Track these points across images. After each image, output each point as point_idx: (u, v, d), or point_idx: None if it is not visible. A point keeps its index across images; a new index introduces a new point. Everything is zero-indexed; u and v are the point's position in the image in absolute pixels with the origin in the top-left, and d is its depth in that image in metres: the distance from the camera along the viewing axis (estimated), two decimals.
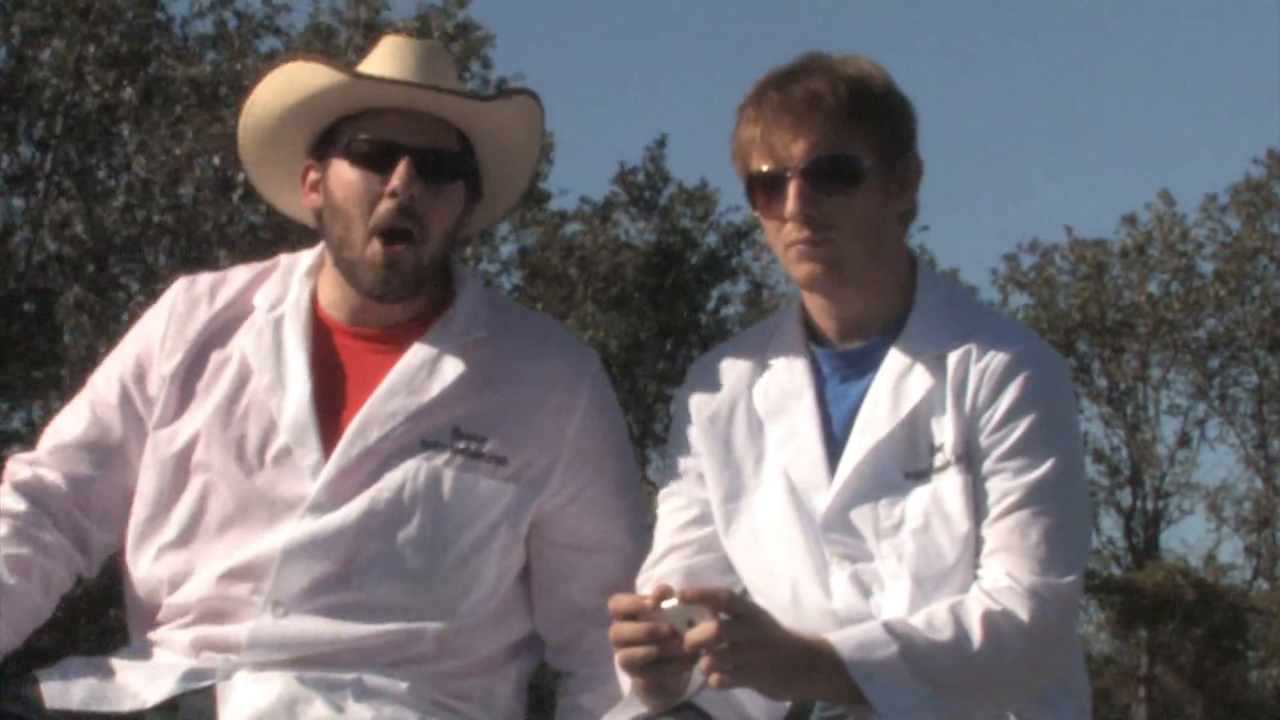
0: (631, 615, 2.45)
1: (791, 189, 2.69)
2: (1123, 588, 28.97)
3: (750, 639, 2.44)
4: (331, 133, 2.84)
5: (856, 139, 2.72)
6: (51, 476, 2.84)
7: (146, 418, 2.86)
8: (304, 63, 2.83)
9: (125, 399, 2.87)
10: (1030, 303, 28.80)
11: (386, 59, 2.84)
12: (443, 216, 2.81)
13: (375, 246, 2.75)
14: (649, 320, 23.44)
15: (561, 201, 22.70)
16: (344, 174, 2.80)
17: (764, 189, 2.74)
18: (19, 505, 2.80)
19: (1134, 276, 29.64)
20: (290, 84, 2.82)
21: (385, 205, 2.75)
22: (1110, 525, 31.27)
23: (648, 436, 23.14)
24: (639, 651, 2.44)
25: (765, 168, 2.73)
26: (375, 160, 2.78)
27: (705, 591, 2.44)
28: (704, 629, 2.40)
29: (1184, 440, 30.92)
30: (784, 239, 2.72)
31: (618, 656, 2.50)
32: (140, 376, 2.87)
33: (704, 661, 2.41)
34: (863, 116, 2.73)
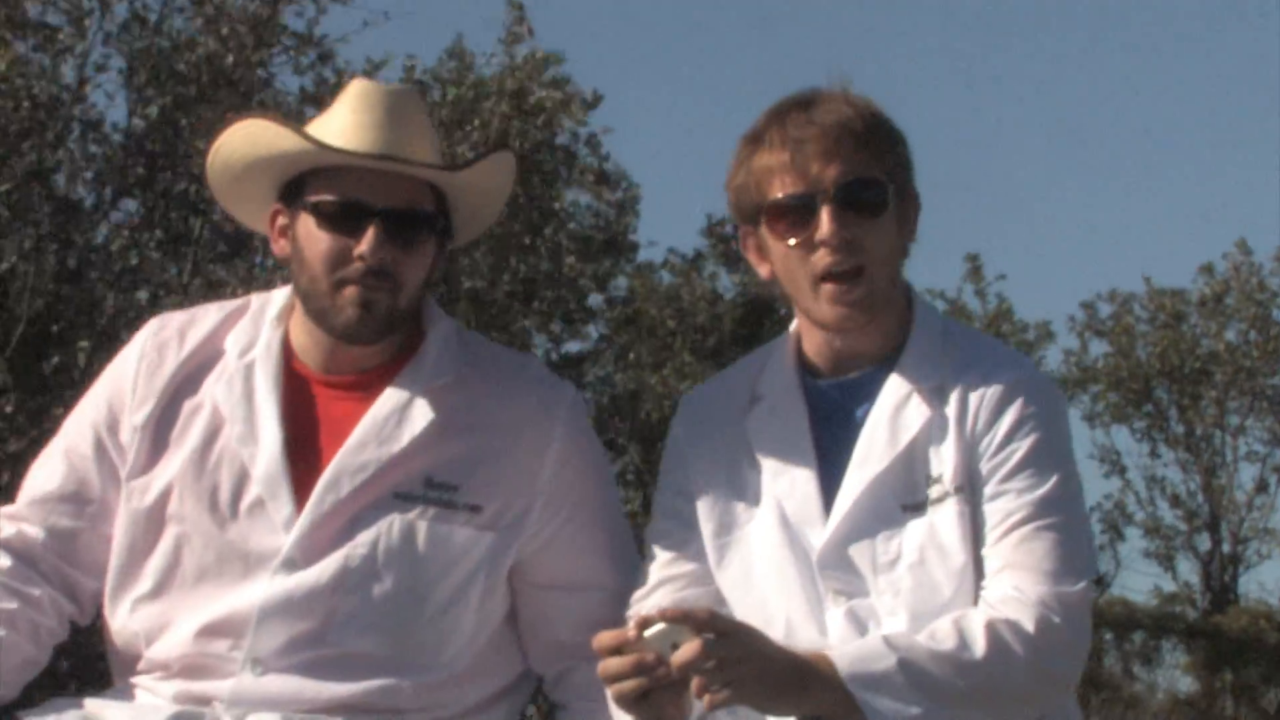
0: (616, 650, 2.42)
1: (825, 213, 2.66)
2: (1206, 632, 28.91)
3: (738, 654, 2.42)
4: (300, 182, 2.78)
5: (880, 166, 2.73)
6: (33, 531, 2.81)
7: (120, 466, 2.83)
8: (268, 123, 2.78)
9: (99, 448, 2.84)
10: (1109, 350, 28.74)
11: (355, 110, 2.78)
12: (416, 272, 2.77)
13: (348, 306, 2.72)
14: None
15: (649, 253, 22.95)
16: (312, 232, 2.75)
17: (789, 215, 2.70)
18: (4, 561, 2.78)
19: (1212, 325, 29.56)
20: (256, 139, 2.78)
21: (355, 267, 2.71)
22: (1187, 569, 31.20)
23: None
24: (628, 685, 2.42)
25: (794, 191, 2.69)
26: (343, 223, 2.73)
27: (686, 611, 2.42)
28: (689, 649, 2.38)
29: (1261, 486, 30.92)
30: (813, 269, 2.68)
31: (609, 693, 2.47)
32: (113, 425, 2.84)
33: (695, 683, 2.38)
34: (883, 145, 2.76)
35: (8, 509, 2.88)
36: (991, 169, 44.82)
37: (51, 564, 2.81)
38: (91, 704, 2.77)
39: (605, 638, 2.43)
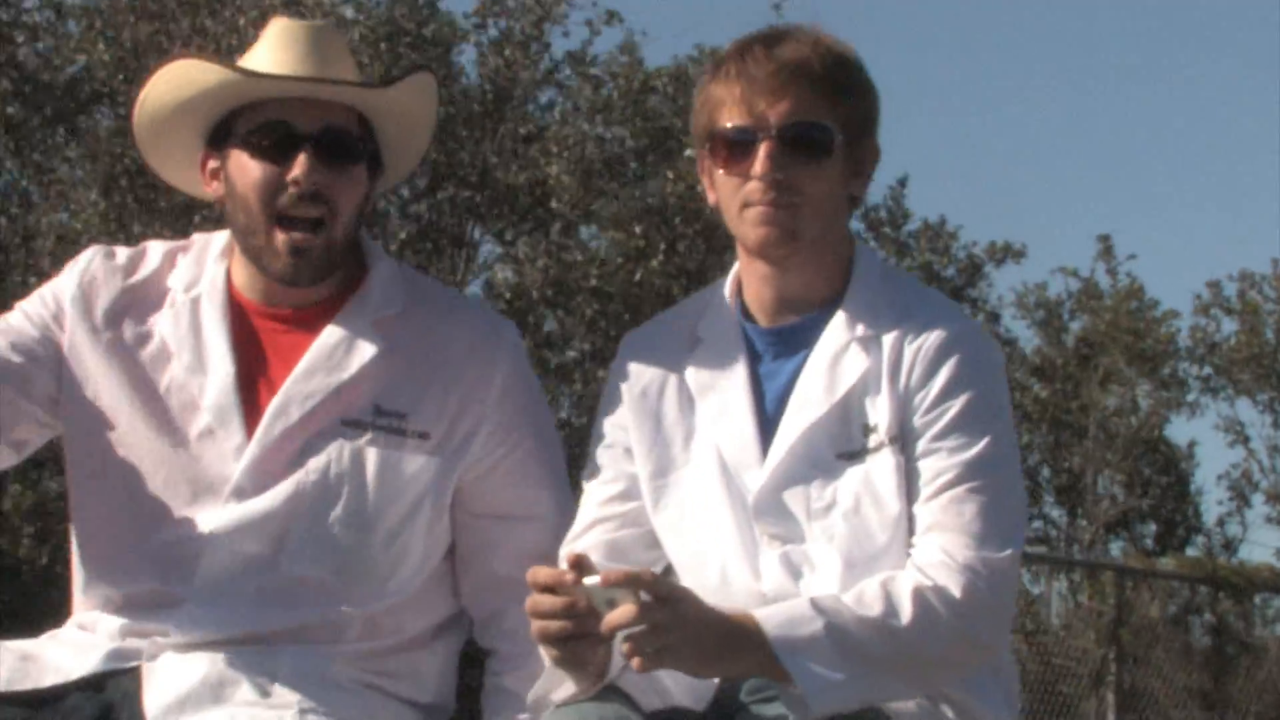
0: (550, 589, 2.44)
1: (762, 150, 2.68)
2: None
3: (671, 620, 2.43)
4: (228, 122, 2.84)
5: (832, 112, 2.72)
6: None
7: (61, 360, 2.84)
8: (194, 60, 2.84)
9: (44, 332, 2.85)
10: (1238, 328, 28.71)
11: (277, 48, 2.85)
12: (350, 197, 2.82)
13: (279, 236, 2.77)
14: None
15: None
16: (244, 164, 2.81)
17: (730, 146, 2.72)
18: None
19: None
20: (181, 80, 2.83)
21: (289, 193, 2.76)
22: None
23: None
24: (554, 625, 2.45)
25: (737, 124, 2.71)
26: (274, 151, 2.80)
27: (628, 574, 2.43)
28: (624, 611, 2.39)
29: None
30: (743, 197, 2.69)
31: (533, 628, 2.50)
32: (57, 318, 2.86)
33: (625, 645, 2.40)
34: (840, 91, 2.74)
35: None
36: (1124, 151, 44.65)
37: None
38: (33, 644, 2.81)
39: (541, 573, 2.45)
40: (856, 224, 16.77)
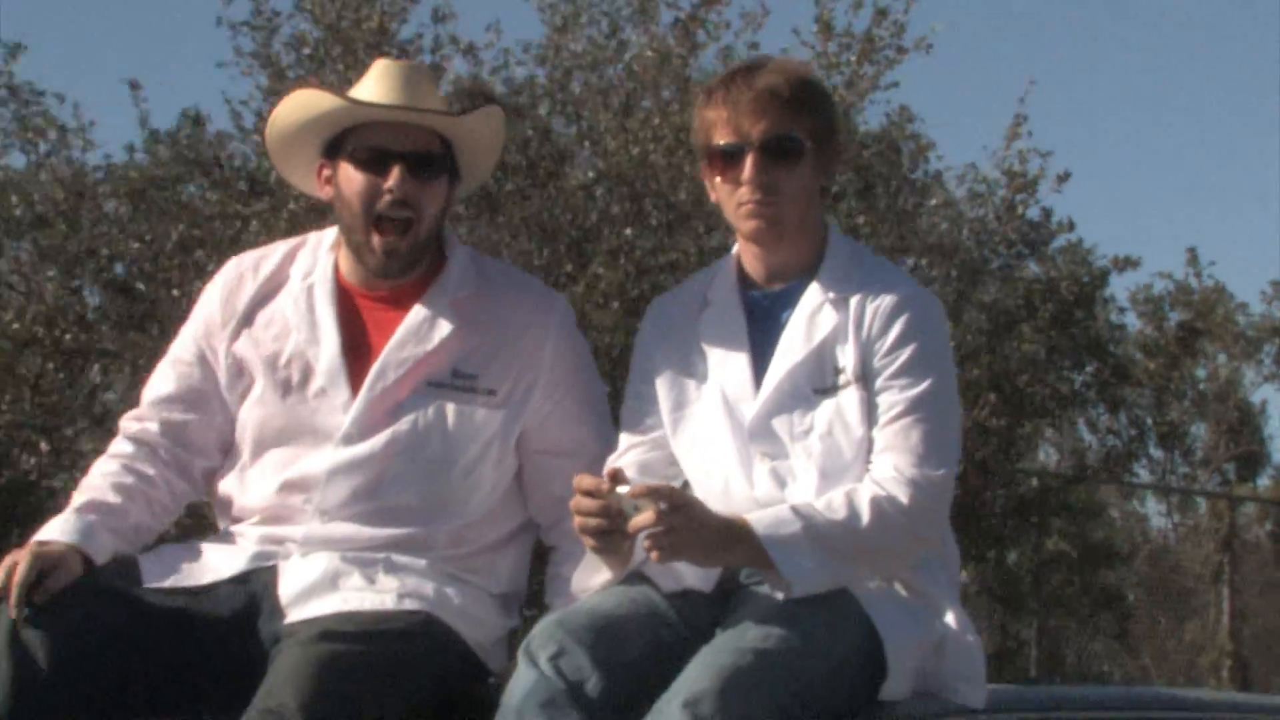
0: (590, 494, 3.09)
1: (749, 160, 3.32)
2: None
3: (682, 523, 3.06)
4: (339, 139, 3.49)
5: (801, 126, 3.36)
6: (151, 425, 3.58)
7: (217, 369, 3.57)
8: (315, 90, 3.51)
9: (200, 356, 3.59)
10: None
11: (379, 81, 3.50)
12: (433, 203, 3.49)
13: (375, 239, 3.45)
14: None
15: None
16: (350, 174, 3.47)
17: (724, 159, 3.36)
18: (127, 448, 3.56)
19: None
20: (305, 105, 3.50)
21: (384, 199, 3.42)
22: None
23: None
24: (592, 522, 3.09)
25: (726, 141, 3.35)
26: (374, 165, 3.45)
27: (650, 487, 3.08)
28: (645, 516, 3.03)
29: None
30: (737, 199, 3.35)
31: (575, 523, 3.14)
32: (209, 337, 3.59)
33: (645, 541, 3.04)
34: (806, 109, 3.39)
35: (133, 412, 3.65)
36: (1208, 164, 46.03)
37: (167, 449, 3.58)
38: (191, 549, 3.52)
39: (584, 481, 3.10)
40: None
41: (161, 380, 3.63)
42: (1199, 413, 16.82)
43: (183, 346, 3.64)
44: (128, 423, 3.64)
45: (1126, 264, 12.33)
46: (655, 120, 9.09)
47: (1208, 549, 16.21)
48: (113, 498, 3.49)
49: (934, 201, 10.40)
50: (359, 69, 8.28)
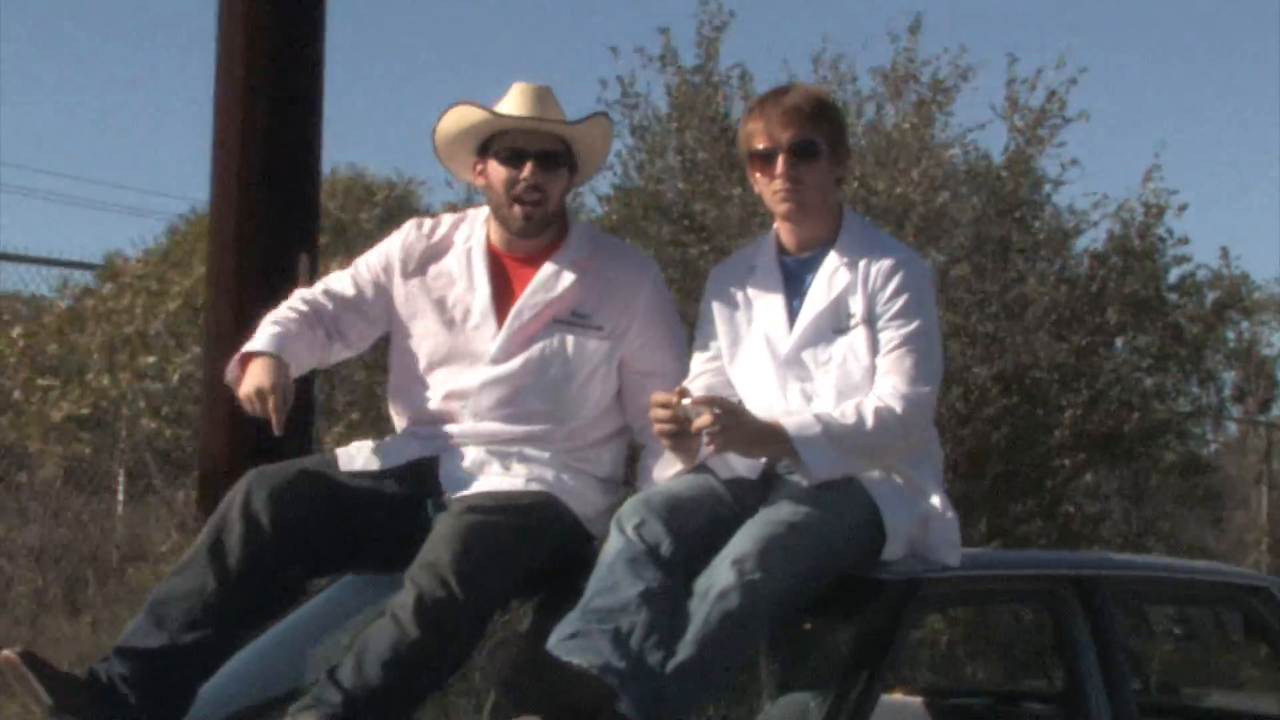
0: (663, 404, 4.07)
1: (780, 159, 4.31)
2: None
3: (732, 424, 4.03)
4: (488, 141, 4.53)
5: (818, 132, 4.34)
6: (323, 302, 4.56)
7: (383, 295, 4.59)
8: (469, 106, 4.51)
9: (373, 280, 4.58)
10: None
11: (517, 99, 4.51)
12: (556, 188, 4.52)
13: (516, 209, 4.47)
14: None
15: None
16: (496, 169, 4.51)
17: (762, 159, 4.34)
18: (301, 305, 4.53)
19: None
20: (462, 116, 4.53)
21: (520, 186, 4.46)
22: None
23: None
24: (666, 425, 4.08)
25: (763, 146, 4.33)
26: (513, 161, 4.49)
27: (707, 398, 4.11)
28: (704, 419, 4.01)
29: None
30: (773, 189, 4.34)
31: (654, 428, 4.11)
32: (386, 270, 4.61)
33: (706, 438, 4.04)
34: (822, 120, 4.37)
35: (308, 289, 4.64)
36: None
37: (327, 321, 4.55)
38: (376, 442, 4.59)
39: (659, 395, 4.11)
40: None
41: (339, 282, 4.64)
42: (1229, 364, 19.03)
43: (364, 266, 4.65)
44: (303, 291, 4.65)
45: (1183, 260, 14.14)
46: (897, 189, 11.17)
47: (1251, 459, 19.18)
48: (294, 329, 4.48)
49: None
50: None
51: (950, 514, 4.37)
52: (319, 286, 4.70)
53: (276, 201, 7.26)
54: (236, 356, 4.42)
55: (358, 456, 4.54)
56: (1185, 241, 12.68)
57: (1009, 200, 11.87)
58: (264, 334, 4.43)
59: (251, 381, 4.33)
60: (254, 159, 7.24)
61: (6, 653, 4.10)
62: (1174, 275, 12.80)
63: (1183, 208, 12.32)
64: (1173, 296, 12.57)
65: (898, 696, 5.56)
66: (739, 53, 13.07)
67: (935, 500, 4.33)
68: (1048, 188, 12.23)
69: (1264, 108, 54.52)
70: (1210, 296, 14.66)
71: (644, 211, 11.72)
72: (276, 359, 4.37)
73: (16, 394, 10.78)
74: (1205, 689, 6.68)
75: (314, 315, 4.56)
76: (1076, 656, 4.52)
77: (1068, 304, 11.65)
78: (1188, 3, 55.10)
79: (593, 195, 12.17)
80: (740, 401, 4.30)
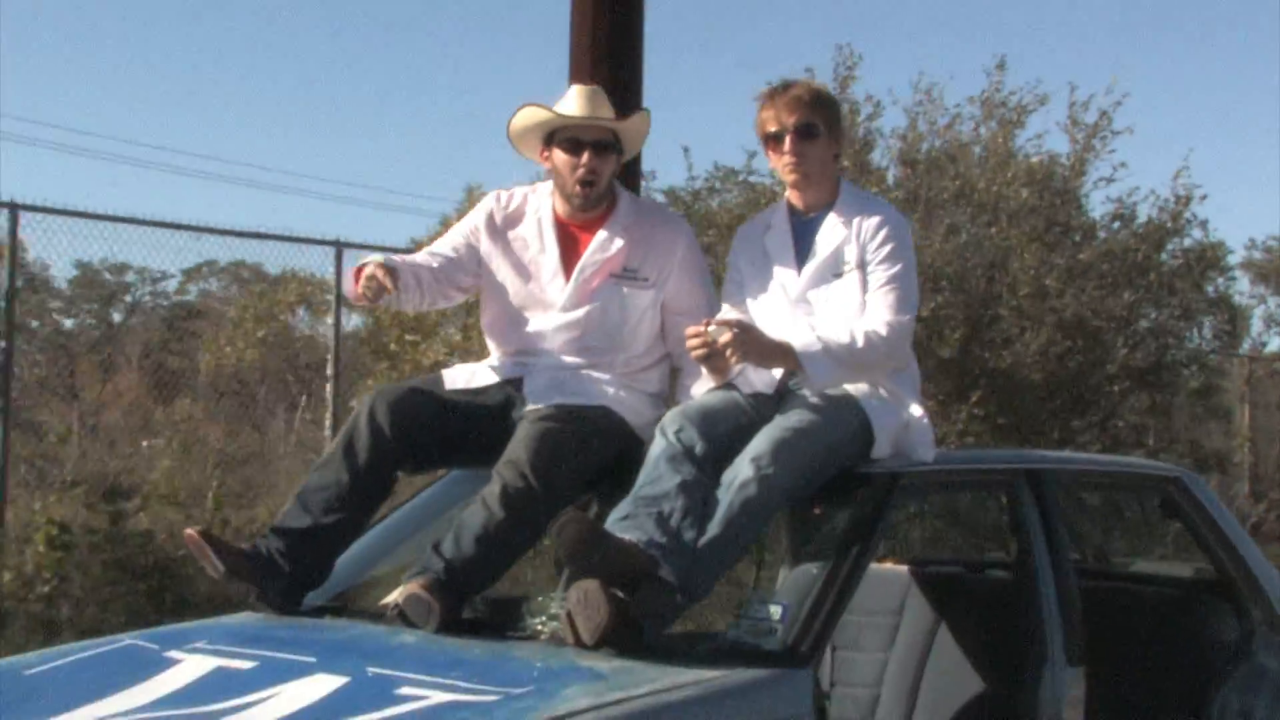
0: (695, 334, 4.80)
1: (788, 139, 5.16)
2: None
3: (748, 338, 4.77)
4: (552, 133, 5.37)
5: (817, 117, 5.17)
6: (426, 257, 5.45)
7: (474, 254, 5.48)
8: (536, 107, 5.36)
9: (466, 243, 5.50)
10: None
11: (576, 99, 5.38)
12: (608, 171, 5.39)
13: (577, 188, 5.36)
14: None
15: None
16: (560, 156, 5.38)
17: (775, 140, 5.18)
18: (418, 257, 5.45)
19: None
20: (530, 114, 5.40)
21: (580, 171, 5.35)
22: None
23: None
24: (698, 350, 4.81)
25: (774, 129, 5.17)
26: (573, 150, 5.35)
27: (726, 319, 4.88)
28: (725, 336, 4.75)
29: None
30: (783, 163, 5.19)
31: (690, 353, 4.84)
32: (475, 234, 5.50)
33: (728, 351, 4.73)
34: (820, 106, 5.20)
35: (421, 250, 5.54)
36: None
37: (433, 274, 5.42)
38: (474, 365, 5.54)
39: (692, 328, 4.85)
40: None
41: (442, 245, 5.55)
42: (1209, 311, 21.23)
43: (459, 232, 5.55)
44: (418, 253, 5.55)
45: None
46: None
47: (1237, 384, 22.67)
48: (424, 270, 5.40)
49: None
50: None
51: (925, 420, 5.17)
52: (426, 249, 5.59)
53: None
54: (351, 270, 5.33)
55: (459, 376, 5.43)
56: (1206, 223, 15.04)
57: (1071, 194, 14.34)
58: (385, 259, 5.31)
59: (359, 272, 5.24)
60: None
61: (189, 531, 5.12)
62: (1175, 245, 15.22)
63: (1204, 196, 14.73)
64: (1165, 257, 14.97)
65: (887, 565, 6.39)
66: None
67: (914, 409, 5.15)
68: (1100, 183, 14.76)
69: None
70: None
71: None
72: (379, 261, 5.25)
73: (392, 346, 13.86)
74: (1129, 558, 7.58)
75: (420, 263, 5.46)
76: (1027, 532, 5.35)
77: (1115, 272, 14.14)
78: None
79: None
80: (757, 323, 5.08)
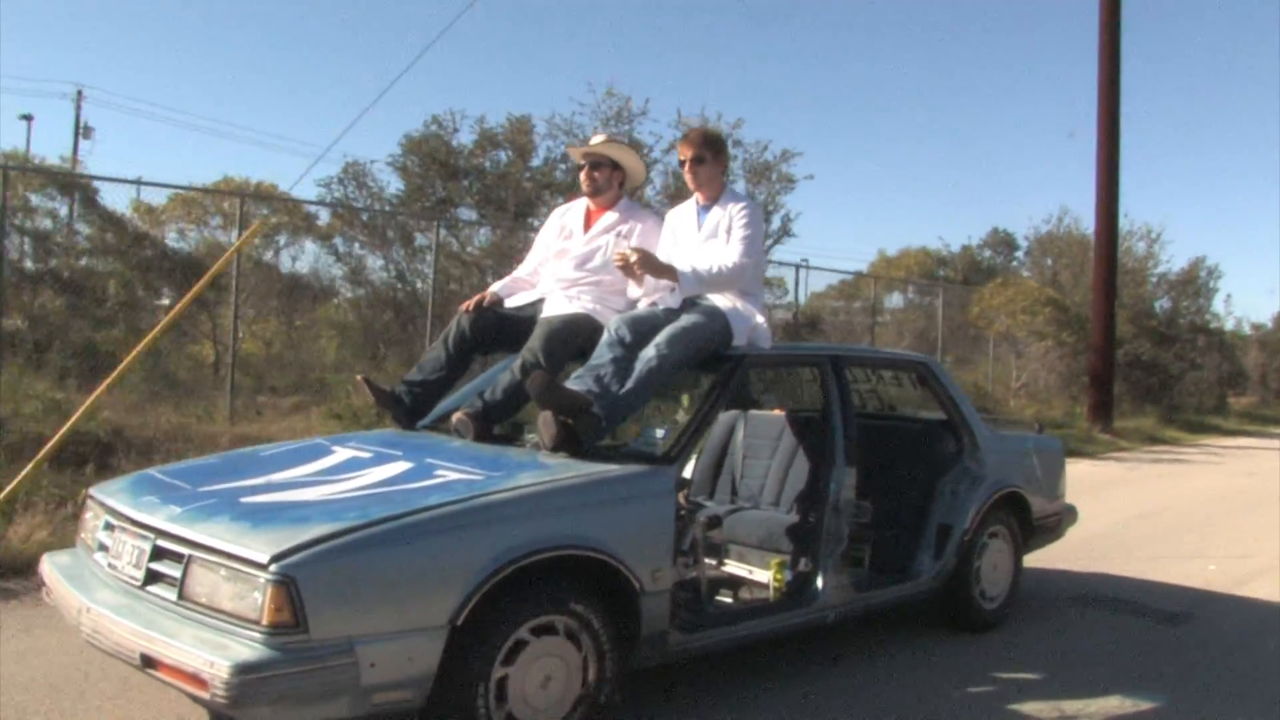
0: (621, 256, 7.92)
1: (688, 165, 8.48)
2: None
3: (647, 260, 7.88)
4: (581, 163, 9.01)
5: (705, 149, 8.62)
6: (523, 270, 9.12)
7: (549, 238, 9.00)
8: (573, 148, 8.89)
9: (546, 243, 9.08)
10: None
11: (592, 139, 8.99)
12: (603, 179, 8.82)
13: (586, 188, 8.92)
14: None
15: None
16: (581, 171, 8.92)
17: (683, 164, 8.51)
18: (520, 271, 9.19)
19: None
20: (573, 152, 9.03)
21: (584, 181, 8.86)
22: None
23: None
24: (620, 265, 7.92)
25: (682, 159, 8.56)
26: (583, 169, 8.85)
27: (636, 248, 8.15)
28: (634, 257, 7.86)
29: None
30: (688, 178, 8.60)
31: (618, 269, 8.17)
32: (550, 230, 9.11)
33: (637, 268, 7.99)
34: (706, 142, 8.69)
35: (520, 267, 9.35)
36: None
37: (528, 276, 9.10)
38: (522, 293, 9.30)
39: (617, 251, 8.27)
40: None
41: (531, 254, 8.98)
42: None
43: (542, 242, 8.95)
44: (520, 268, 9.18)
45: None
46: None
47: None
48: (510, 283, 8.89)
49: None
50: None
51: (766, 326, 8.43)
52: (527, 257, 9.28)
53: None
54: (474, 298, 8.76)
55: (514, 300, 9.01)
56: (1229, 296, 19.46)
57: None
58: (502, 286, 9.05)
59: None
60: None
61: (358, 376, 9.00)
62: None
63: (1220, 275, 18.39)
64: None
65: (776, 411, 10.00)
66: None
67: (759, 317, 8.43)
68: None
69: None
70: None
71: None
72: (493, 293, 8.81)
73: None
74: (899, 408, 10.47)
75: (519, 275, 9.04)
76: (829, 394, 8.55)
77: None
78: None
79: None
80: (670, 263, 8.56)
